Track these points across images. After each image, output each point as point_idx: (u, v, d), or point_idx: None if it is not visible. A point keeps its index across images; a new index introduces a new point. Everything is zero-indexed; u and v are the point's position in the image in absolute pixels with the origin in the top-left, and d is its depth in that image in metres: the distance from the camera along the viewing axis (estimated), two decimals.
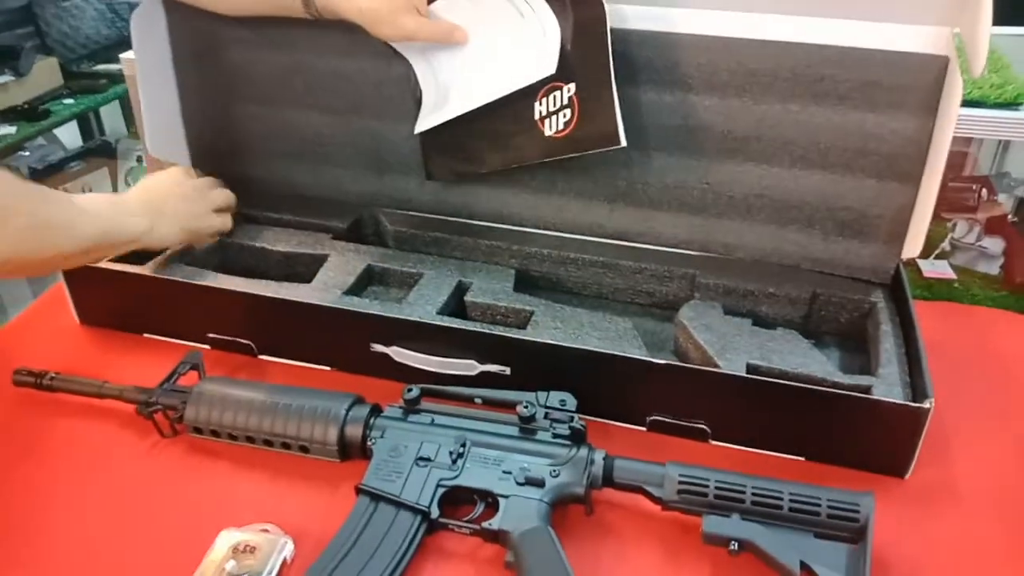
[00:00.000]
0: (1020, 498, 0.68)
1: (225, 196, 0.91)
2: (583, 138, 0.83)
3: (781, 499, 0.61)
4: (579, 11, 0.79)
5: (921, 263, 1.03)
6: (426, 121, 0.88)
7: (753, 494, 0.61)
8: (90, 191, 2.56)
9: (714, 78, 0.81)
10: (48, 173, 2.51)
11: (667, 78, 0.82)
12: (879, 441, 0.68)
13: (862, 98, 0.78)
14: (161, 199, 0.84)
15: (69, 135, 2.68)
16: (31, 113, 2.01)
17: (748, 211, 0.86)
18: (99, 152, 2.65)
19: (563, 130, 0.84)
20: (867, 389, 0.69)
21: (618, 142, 0.81)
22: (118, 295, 0.86)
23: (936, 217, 1.06)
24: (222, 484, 0.68)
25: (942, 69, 0.75)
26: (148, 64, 0.94)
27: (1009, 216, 1.02)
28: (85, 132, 2.71)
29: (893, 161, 0.79)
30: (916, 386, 0.69)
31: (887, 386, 0.70)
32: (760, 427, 0.71)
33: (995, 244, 1.01)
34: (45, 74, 2.12)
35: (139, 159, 2.66)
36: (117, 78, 2.24)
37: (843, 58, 0.77)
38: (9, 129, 1.97)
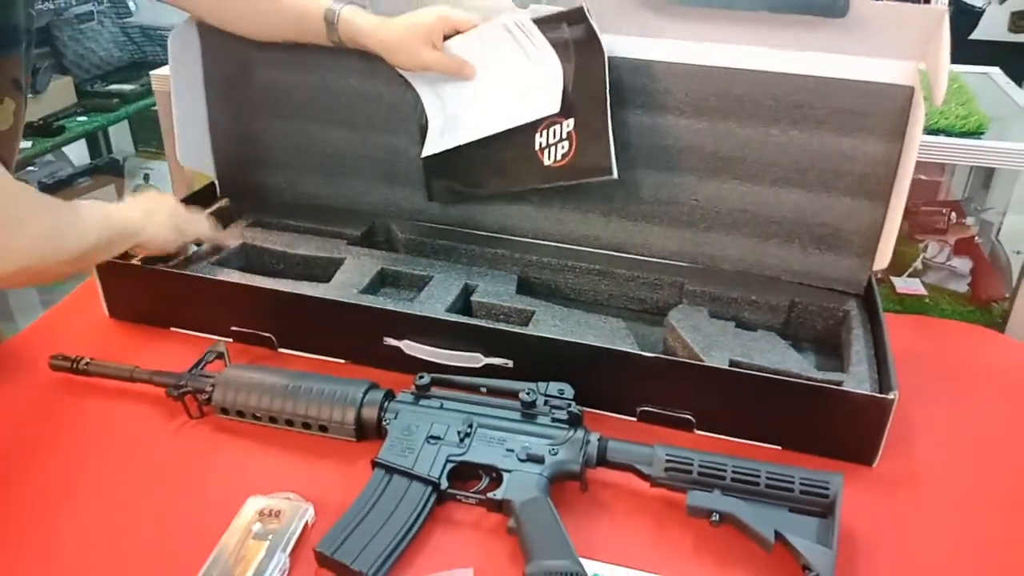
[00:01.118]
0: (974, 488, 0.75)
1: (205, 230, 0.94)
2: (579, 168, 0.91)
3: (759, 476, 0.67)
4: (581, 55, 0.88)
5: (895, 280, 1.11)
6: (431, 146, 0.96)
7: (733, 472, 0.68)
8: None
9: (702, 104, 0.89)
10: (57, 188, 2.57)
11: (659, 103, 0.90)
12: (849, 431, 0.75)
13: (837, 123, 0.86)
14: (154, 199, 0.89)
15: (77, 152, 2.75)
16: (46, 129, 2.08)
17: (733, 226, 0.93)
18: (107, 169, 2.72)
19: (561, 160, 0.91)
20: (838, 383, 0.76)
21: (611, 174, 0.89)
22: (146, 290, 0.92)
23: (910, 239, 1.14)
24: (248, 458, 0.74)
25: (908, 98, 0.83)
26: (181, 80, 1.01)
27: (976, 238, 1.09)
28: (93, 149, 2.78)
29: (864, 181, 0.87)
30: (883, 382, 0.76)
31: (857, 381, 0.77)
32: (740, 418, 0.77)
33: (963, 264, 1.08)
34: (60, 93, 2.19)
35: (146, 177, 2.73)
36: (128, 98, 2.31)
37: (820, 87, 0.86)
38: (25, 144, 2.04)
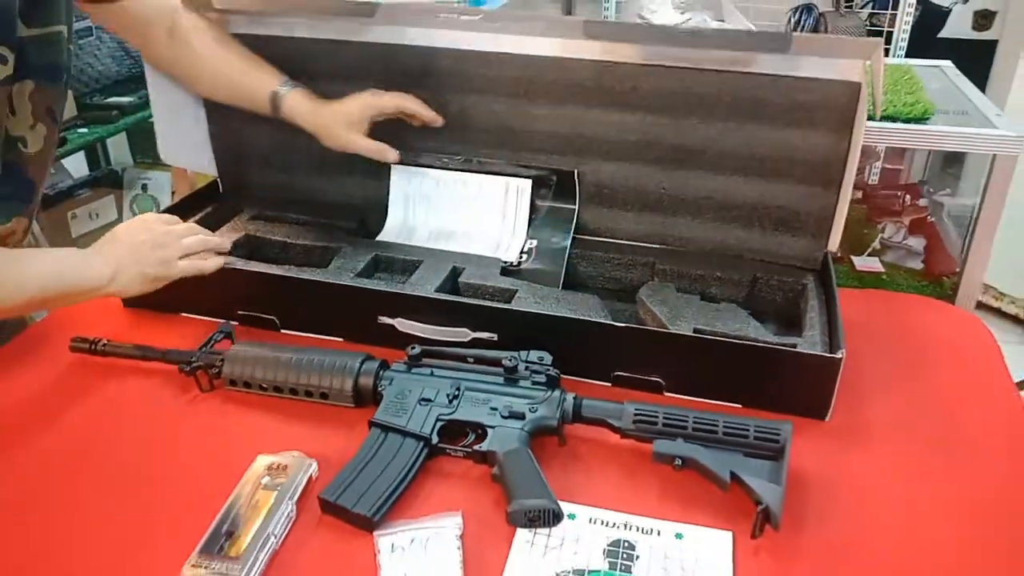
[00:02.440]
0: (918, 439, 0.82)
1: (199, 241, 0.93)
2: (535, 272, 1.02)
3: (716, 425, 0.75)
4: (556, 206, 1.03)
5: (855, 259, 1.19)
6: (388, 236, 1.07)
7: (694, 422, 0.75)
8: (97, 217, 2.70)
9: (667, 101, 0.96)
10: (58, 200, 2.64)
11: (627, 101, 0.97)
12: (802, 389, 0.82)
13: (791, 117, 0.93)
14: (128, 248, 0.88)
15: (76, 164, 2.82)
16: None
17: (699, 210, 1.01)
18: (106, 180, 2.79)
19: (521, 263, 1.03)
20: (793, 345, 0.83)
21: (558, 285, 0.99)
22: None
23: (869, 221, 1.22)
24: (255, 424, 0.82)
25: (856, 93, 0.90)
26: (159, 92, 1.09)
27: (928, 217, 1.17)
28: (92, 161, 2.85)
29: (817, 169, 0.95)
30: (832, 344, 0.84)
31: (809, 344, 0.84)
32: (704, 380, 0.85)
33: (918, 243, 1.16)
34: None
35: (144, 187, 2.80)
36: (126, 110, 2.38)
37: (774, 84, 0.93)
38: None
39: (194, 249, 0.92)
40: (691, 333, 0.85)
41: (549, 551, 0.68)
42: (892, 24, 2.45)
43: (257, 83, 1.00)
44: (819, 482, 0.76)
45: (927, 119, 1.05)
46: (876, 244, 1.19)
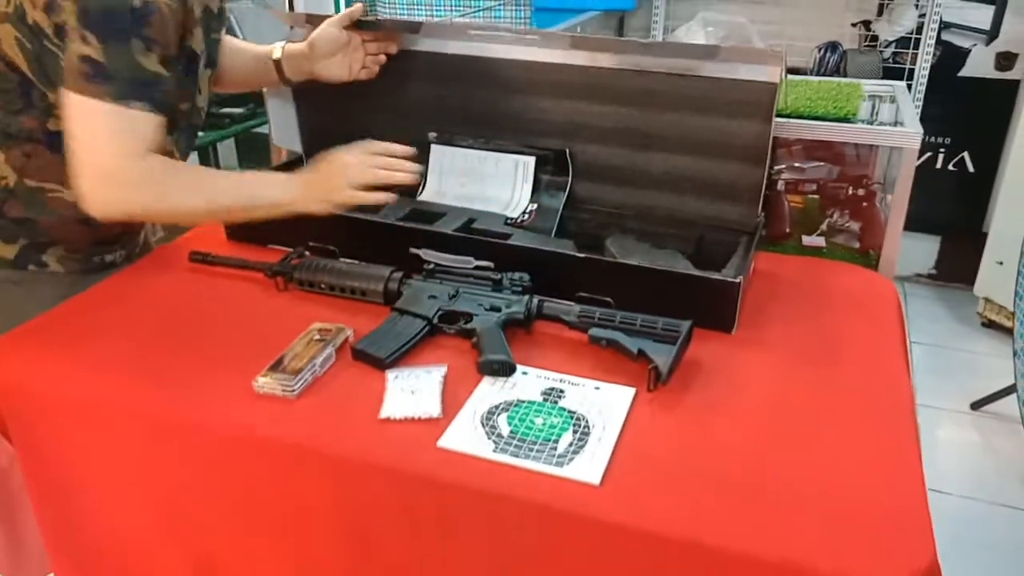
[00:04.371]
0: (799, 352, 1.07)
1: (389, 162, 1.16)
2: (534, 227, 1.32)
3: (635, 321, 1.03)
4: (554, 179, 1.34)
5: (804, 237, 1.45)
6: (425, 197, 1.39)
7: (620, 318, 1.04)
8: None
9: (635, 97, 1.26)
10: None
11: (605, 95, 1.28)
12: (714, 307, 1.10)
13: (729, 110, 1.22)
14: (323, 176, 1.15)
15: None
16: None
17: (660, 184, 1.30)
18: None
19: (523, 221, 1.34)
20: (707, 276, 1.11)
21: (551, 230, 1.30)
22: None
23: (820, 211, 1.48)
24: (314, 310, 1.14)
25: (774, 91, 1.19)
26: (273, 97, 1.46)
27: (863, 203, 1.43)
28: (203, 163, 3.32)
29: (748, 151, 1.22)
30: (736, 275, 1.11)
31: (721, 276, 1.12)
32: (643, 301, 1.11)
33: (856, 225, 1.42)
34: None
35: None
36: (237, 119, 2.83)
37: (716, 85, 1.22)
38: None
39: (386, 169, 1.16)
40: (634, 263, 1.14)
41: (503, 390, 0.98)
42: (913, 62, 2.68)
43: (259, 58, 1.35)
44: (713, 369, 1.03)
45: (850, 119, 1.32)
46: (824, 227, 1.45)
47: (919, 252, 3.07)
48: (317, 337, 1.05)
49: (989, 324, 2.79)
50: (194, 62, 1.17)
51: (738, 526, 0.79)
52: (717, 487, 0.83)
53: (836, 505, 0.81)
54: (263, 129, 2.90)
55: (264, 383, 0.96)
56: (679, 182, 1.28)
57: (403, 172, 1.18)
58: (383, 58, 1.37)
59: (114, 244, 1.32)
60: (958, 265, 2.95)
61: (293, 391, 0.95)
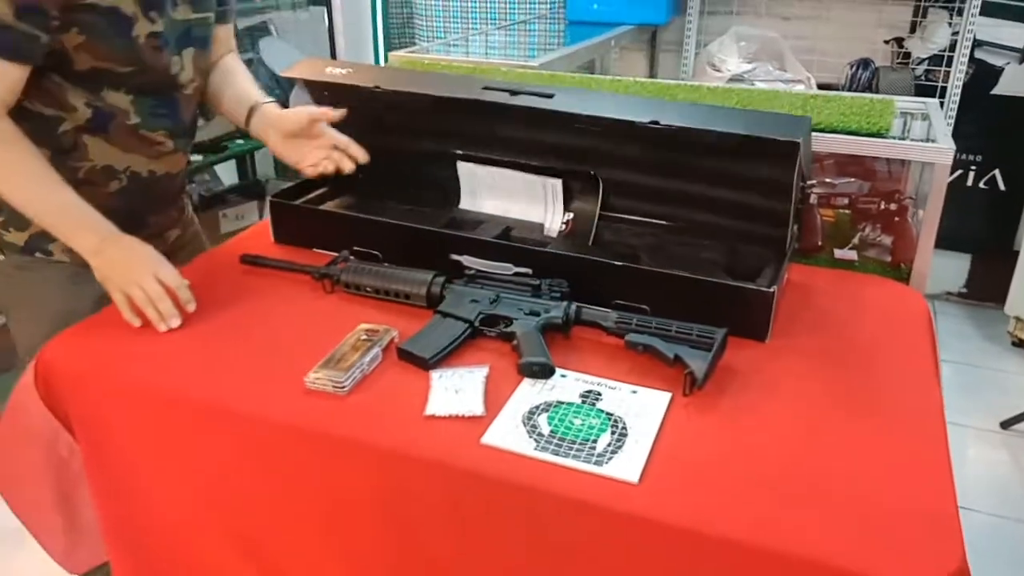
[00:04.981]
0: (829, 359, 1.10)
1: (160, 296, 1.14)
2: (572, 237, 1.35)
3: (671, 327, 1.07)
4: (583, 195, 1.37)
5: (836, 251, 1.47)
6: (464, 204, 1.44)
7: (656, 324, 1.07)
8: (242, 218, 3.21)
9: (662, 139, 1.25)
10: (212, 203, 3.18)
11: (635, 137, 1.28)
12: (748, 316, 1.13)
13: (761, 158, 1.21)
14: (111, 258, 1.16)
15: (227, 173, 3.36)
16: (214, 147, 2.67)
17: (691, 202, 1.32)
18: (250, 189, 3.32)
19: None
20: (742, 285, 1.14)
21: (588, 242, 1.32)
22: (298, 223, 1.39)
23: (852, 224, 1.51)
24: (360, 312, 1.19)
25: (796, 147, 1.18)
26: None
27: (895, 218, 1.45)
28: (241, 172, 3.40)
29: (777, 187, 1.23)
30: (772, 286, 1.14)
31: (755, 286, 1.15)
32: (678, 308, 1.15)
33: (888, 239, 1.44)
34: (225, 119, 2.79)
35: None
36: None
37: (747, 142, 1.21)
38: (196, 157, 2.63)
39: (149, 301, 1.13)
40: (670, 272, 1.17)
41: (542, 391, 1.01)
42: (946, 80, 2.69)
43: (240, 104, 1.39)
44: (747, 376, 1.06)
45: (883, 135, 1.35)
46: (856, 240, 1.47)
47: (949, 270, 3.06)
48: (364, 337, 1.09)
49: (1020, 343, 2.77)
50: (124, 25, 1.17)
51: (771, 525, 0.82)
52: (751, 488, 0.86)
53: (867, 507, 0.83)
54: None
55: (316, 379, 1.00)
56: (719, 208, 1.30)
57: (156, 316, 1.14)
58: (345, 165, 1.34)
59: None
60: (989, 284, 2.94)
61: (344, 387, 1.00)
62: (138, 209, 1.33)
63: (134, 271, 1.15)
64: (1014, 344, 2.79)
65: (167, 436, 1.05)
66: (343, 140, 1.34)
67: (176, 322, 1.15)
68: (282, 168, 3.41)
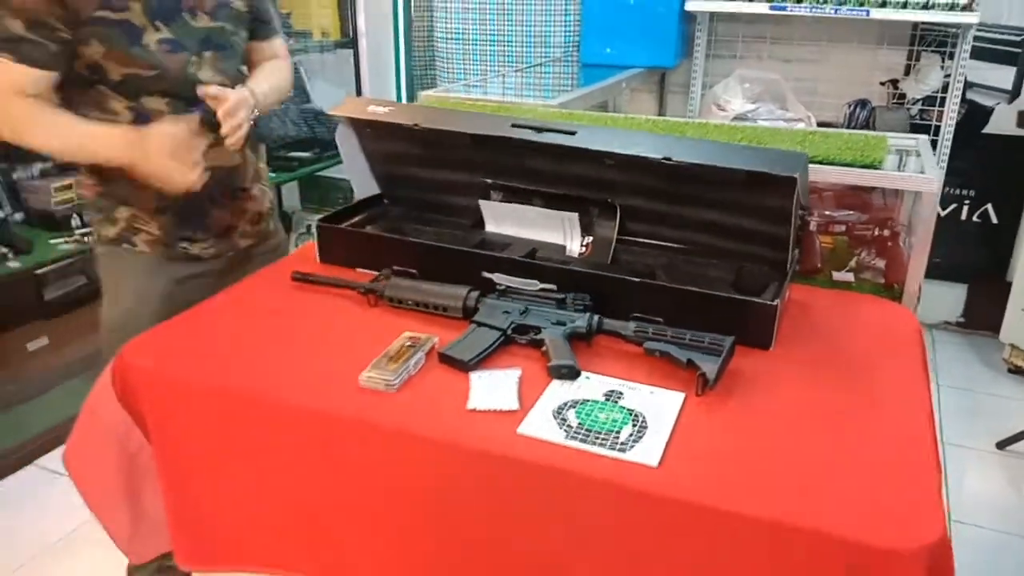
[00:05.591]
0: (827, 367, 1.22)
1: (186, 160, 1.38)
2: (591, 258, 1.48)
3: (685, 336, 1.19)
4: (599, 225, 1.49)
5: (834, 273, 1.60)
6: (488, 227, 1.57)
7: (671, 334, 1.20)
8: None
9: (672, 172, 1.40)
10: None
11: (646, 169, 1.42)
12: (754, 327, 1.25)
13: (763, 189, 1.35)
14: (146, 138, 1.36)
15: None
16: None
17: (700, 228, 1.45)
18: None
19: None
20: (749, 299, 1.27)
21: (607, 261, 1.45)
22: (343, 245, 1.53)
23: (848, 248, 1.64)
24: (402, 322, 1.31)
25: (794, 181, 1.32)
26: (348, 151, 1.65)
27: (888, 243, 1.58)
28: None
29: (779, 213, 1.36)
30: (775, 300, 1.27)
31: (760, 300, 1.27)
32: (691, 319, 1.27)
33: (882, 262, 1.57)
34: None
35: (308, 228, 3.47)
36: (304, 162, 3.06)
37: (751, 177, 1.34)
38: None
39: (189, 156, 1.39)
40: (682, 286, 1.30)
41: (570, 390, 1.14)
42: (940, 119, 2.84)
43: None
44: (753, 379, 1.18)
45: (875, 167, 1.48)
46: (852, 263, 1.60)
47: (947, 300, 3.18)
48: (408, 343, 1.22)
49: (1015, 370, 2.88)
50: (135, 34, 1.38)
51: (775, 502, 0.93)
52: (757, 471, 0.98)
53: (861, 487, 0.95)
54: (326, 172, 3.13)
55: (369, 377, 1.13)
56: (719, 228, 1.43)
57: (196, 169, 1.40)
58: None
59: (199, 240, 1.57)
60: (985, 313, 3.06)
61: (394, 385, 1.12)
62: (195, 201, 1.50)
63: (166, 140, 1.37)
64: (1010, 371, 2.90)
65: (232, 431, 1.17)
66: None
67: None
68: (307, 199, 3.57)
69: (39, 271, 2.41)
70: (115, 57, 1.38)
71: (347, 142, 1.61)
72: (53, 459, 2.29)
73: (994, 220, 3.03)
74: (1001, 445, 2.49)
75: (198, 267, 1.58)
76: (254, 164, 1.67)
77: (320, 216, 1.57)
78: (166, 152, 1.37)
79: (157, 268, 1.53)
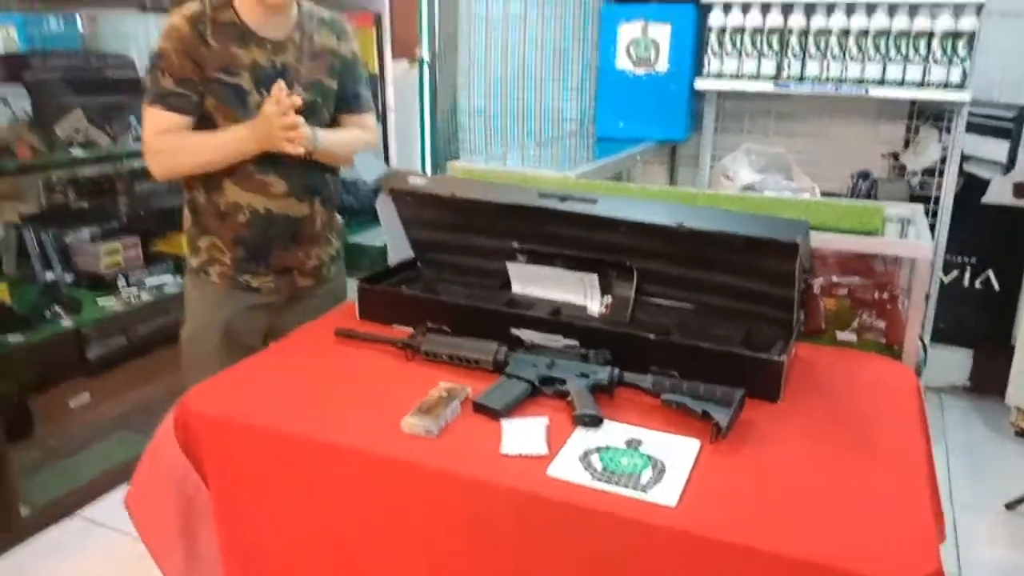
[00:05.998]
0: (832, 420, 1.32)
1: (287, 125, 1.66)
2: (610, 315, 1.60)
3: (699, 389, 1.30)
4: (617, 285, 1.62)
5: (838, 333, 1.71)
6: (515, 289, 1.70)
7: (686, 387, 1.31)
8: None
9: (683, 236, 1.53)
10: None
11: (661, 236, 1.57)
12: (762, 381, 1.35)
13: (767, 254, 1.48)
14: (258, 121, 1.67)
15: None
16: None
17: (712, 290, 1.57)
18: None
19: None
20: (757, 355, 1.38)
21: (626, 320, 1.57)
22: (382, 303, 1.65)
23: (851, 309, 1.75)
24: (439, 374, 1.43)
25: (796, 246, 1.44)
26: (388, 215, 1.79)
27: (887, 305, 1.69)
28: None
29: (782, 277, 1.48)
30: (781, 356, 1.37)
31: (767, 356, 1.38)
32: (704, 373, 1.38)
33: (882, 323, 1.68)
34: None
35: None
36: None
37: (751, 243, 1.48)
38: None
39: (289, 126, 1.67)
40: (697, 343, 1.41)
41: (593, 438, 1.24)
42: (939, 189, 2.98)
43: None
44: (763, 431, 1.28)
45: (873, 234, 1.61)
46: (855, 324, 1.71)
47: (953, 364, 3.26)
48: (445, 394, 1.33)
49: (1022, 433, 2.95)
50: (242, 96, 1.72)
51: (783, 537, 1.03)
52: (767, 510, 1.08)
53: (861, 524, 1.05)
54: (358, 239, 3.28)
55: (411, 424, 1.24)
56: (729, 289, 1.55)
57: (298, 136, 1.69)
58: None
59: (260, 274, 1.86)
60: (990, 376, 3.14)
61: (433, 432, 1.23)
62: (261, 241, 1.83)
63: (269, 119, 1.67)
64: (1016, 433, 2.96)
65: (285, 473, 1.28)
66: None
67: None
68: (353, 266, 3.71)
69: (83, 330, 2.54)
70: (223, 112, 1.73)
71: (386, 209, 1.75)
72: (94, 510, 2.38)
73: (996, 286, 3.14)
74: (1009, 506, 2.55)
75: (258, 299, 1.88)
76: (322, 217, 1.92)
77: (362, 277, 1.70)
78: (276, 127, 1.66)
79: (224, 297, 1.85)
